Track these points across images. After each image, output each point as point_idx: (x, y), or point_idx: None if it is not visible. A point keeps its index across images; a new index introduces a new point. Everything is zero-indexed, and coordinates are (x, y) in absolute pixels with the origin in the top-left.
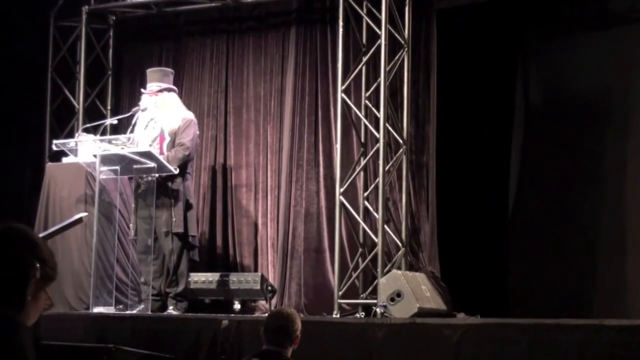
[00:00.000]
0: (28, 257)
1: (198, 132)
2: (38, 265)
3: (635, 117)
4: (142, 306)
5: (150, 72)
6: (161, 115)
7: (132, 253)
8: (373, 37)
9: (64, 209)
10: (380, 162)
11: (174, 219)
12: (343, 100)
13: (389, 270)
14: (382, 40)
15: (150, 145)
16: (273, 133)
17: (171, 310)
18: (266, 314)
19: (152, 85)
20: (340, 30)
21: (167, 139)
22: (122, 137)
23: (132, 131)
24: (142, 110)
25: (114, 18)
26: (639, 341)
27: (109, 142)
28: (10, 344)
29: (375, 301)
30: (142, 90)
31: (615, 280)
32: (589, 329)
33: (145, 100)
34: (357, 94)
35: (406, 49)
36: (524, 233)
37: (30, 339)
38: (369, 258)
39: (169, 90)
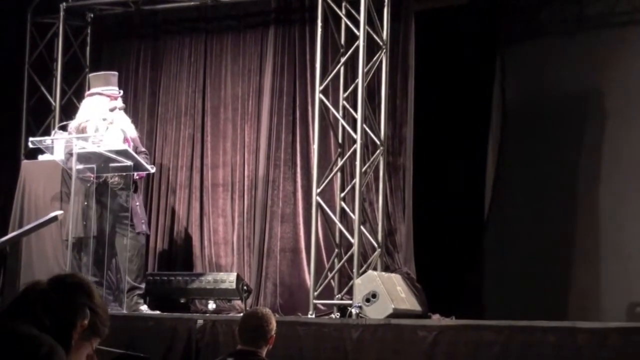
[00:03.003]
0: (82, 304)
1: None
2: (88, 312)
3: (611, 120)
4: (116, 305)
5: (111, 75)
6: (121, 120)
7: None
8: (351, 38)
9: (40, 207)
10: (357, 163)
11: (143, 221)
12: (321, 101)
13: (365, 271)
14: (361, 41)
15: None
16: (250, 133)
17: (144, 308)
18: (241, 314)
19: (114, 89)
20: (319, 30)
21: (131, 144)
22: (97, 135)
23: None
24: (120, 109)
25: (92, 15)
26: (611, 343)
27: (85, 140)
28: None
29: (350, 302)
30: (114, 91)
31: (589, 283)
32: (563, 331)
33: (108, 102)
34: (334, 94)
35: (384, 50)
36: (500, 235)
37: None
38: (345, 259)
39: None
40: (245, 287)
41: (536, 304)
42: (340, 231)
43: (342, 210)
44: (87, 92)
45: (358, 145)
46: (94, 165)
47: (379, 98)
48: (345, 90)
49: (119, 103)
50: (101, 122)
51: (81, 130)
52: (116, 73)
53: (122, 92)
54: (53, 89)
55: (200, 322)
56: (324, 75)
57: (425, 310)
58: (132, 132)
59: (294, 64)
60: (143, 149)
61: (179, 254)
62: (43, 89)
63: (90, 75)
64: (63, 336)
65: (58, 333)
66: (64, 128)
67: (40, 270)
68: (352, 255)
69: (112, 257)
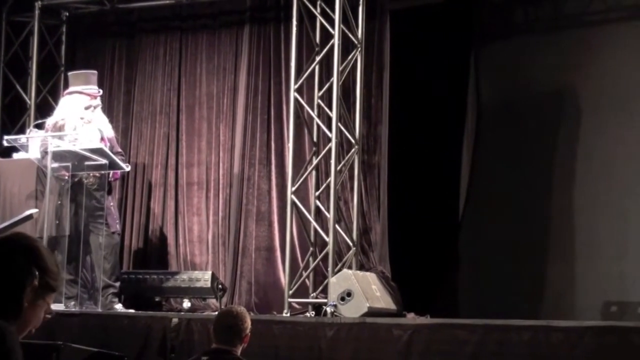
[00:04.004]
0: (26, 265)
1: None
2: (37, 273)
3: (585, 119)
4: (91, 303)
5: (91, 74)
6: (98, 119)
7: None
8: (326, 36)
9: (14, 205)
10: (332, 161)
11: (117, 221)
12: (296, 100)
13: (340, 270)
14: (336, 40)
15: None
16: (225, 131)
17: (118, 306)
18: (216, 313)
19: (94, 88)
20: (294, 29)
21: (108, 144)
22: (72, 133)
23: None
24: (95, 107)
25: (67, 14)
26: (585, 342)
27: (60, 138)
28: None
29: (325, 300)
30: (93, 90)
31: (563, 282)
32: (538, 330)
33: (87, 101)
34: (309, 93)
35: (359, 48)
36: (474, 233)
37: (18, 344)
38: (319, 257)
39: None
40: (220, 286)
41: (511, 303)
42: (315, 230)
43: (317, 208)
44: (67, 90)
45: (333, 144)
46: (69, 164)
47: (354, 97)
48: (320, 88)
49: (95, 102)
50: (79, 121)
51: (58, 128)
52: (96, 72)
53: (101, 91)
54: (28, 87)
55: (175, 320)
56: (299, 74)
57: (400, 309)
58: (110, 132)
59: (269, 62)
60: (119, 150)
61: (153, 253)
62: (18, 87)
63: (70, 73)
64: (13, 301)
65: (8, 299)
66: (39, 126)
67: None
68: (327, 254)
69: (86, 255)
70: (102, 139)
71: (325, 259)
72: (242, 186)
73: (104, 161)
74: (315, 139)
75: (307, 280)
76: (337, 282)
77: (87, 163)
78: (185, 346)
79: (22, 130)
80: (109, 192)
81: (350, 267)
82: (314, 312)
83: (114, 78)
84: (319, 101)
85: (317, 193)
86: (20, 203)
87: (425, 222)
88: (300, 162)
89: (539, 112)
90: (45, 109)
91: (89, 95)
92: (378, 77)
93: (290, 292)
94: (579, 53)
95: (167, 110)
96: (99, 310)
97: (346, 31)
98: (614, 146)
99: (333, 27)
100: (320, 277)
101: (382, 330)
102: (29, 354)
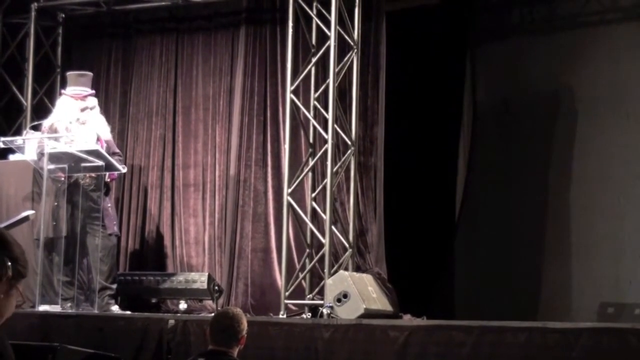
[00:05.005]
0: (0, 256)
1: None
2: (9, 263)
3: (581, 120)
4: (88, 304)
5: (79, 75)
6: (95, 121)
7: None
8: (322, 38)
9: (11, 207)
10: (329, 163)
11: (114, 222)
12: (292, 101)
13: (336, 271)
14: (332, 41)
15: None
16: (221, 133)
17: (115, 308)
18: (213, 314)
19: (80, 90)
20: (290, 30)
21: (104, 145)
22: (69, 135)
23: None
24: (91, 109)
25: (63, 15)
26: (582, 343)
27: (56, 139)
28: None
29: (322, 302)
30: (78, 92)
31: (559, 284)
32: (534, 331)
33: (76, 102)
34: (306, 94)
35: (355, 50)
36: (470, 235)
37: (9, 346)
38: (316, 259)
39: (95, 95)
40: (216, 287)
41: (507, 305)
42: (312, 231)
43: (313, 210)
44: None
45: (329, 145)
46: (65, 165)
47: (350, 98)
48: (316, 90)
49: (90, 103)
50: (73, 122)
51: (54, 129)
52: (86, 73)
53: (92, 92)
54: (24, 89)
55: (171, 322)
56: (295, 75)
57: (396, 311)
58: (107, 134)
59: (265, 64)
60: (117, 151)
61: (150, 254)
62: (14, 89)
63: (67, 73)
64: None
65: None
66: (35, 128)
67: None
68: (323, 256)
69: (83, 257)
70: (99, 140)
71: (321, 260)
72: (238, 188)
73: (100, 163)
74: (311, 141)
75: (303, 281)
76: (334, 284)
77: (83, 164)
78: (181, 348)
79: (18, 132)
80: (106, 194)
81: (346, 269)
82: (310, 314)
83: (110, 80)
84: (315, 103)
85: (314, 194)
86: (17, 205)
87: (421, 223)
88: (296, 164)
89: (535, 112)
90: (41, 110)
91: (71, 96)
92: (374, 79)
93: (287, 293)
94: (575, 54)
95: (163, 111)
96: (95, 311)
97: (342, 32)
98: (610, 147)
99: (329, 28)
100: (316, 279)
101: (378, 332)
102: (25, 356)
